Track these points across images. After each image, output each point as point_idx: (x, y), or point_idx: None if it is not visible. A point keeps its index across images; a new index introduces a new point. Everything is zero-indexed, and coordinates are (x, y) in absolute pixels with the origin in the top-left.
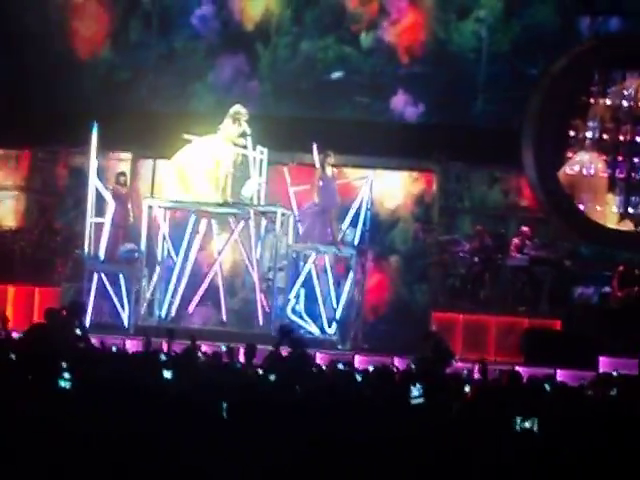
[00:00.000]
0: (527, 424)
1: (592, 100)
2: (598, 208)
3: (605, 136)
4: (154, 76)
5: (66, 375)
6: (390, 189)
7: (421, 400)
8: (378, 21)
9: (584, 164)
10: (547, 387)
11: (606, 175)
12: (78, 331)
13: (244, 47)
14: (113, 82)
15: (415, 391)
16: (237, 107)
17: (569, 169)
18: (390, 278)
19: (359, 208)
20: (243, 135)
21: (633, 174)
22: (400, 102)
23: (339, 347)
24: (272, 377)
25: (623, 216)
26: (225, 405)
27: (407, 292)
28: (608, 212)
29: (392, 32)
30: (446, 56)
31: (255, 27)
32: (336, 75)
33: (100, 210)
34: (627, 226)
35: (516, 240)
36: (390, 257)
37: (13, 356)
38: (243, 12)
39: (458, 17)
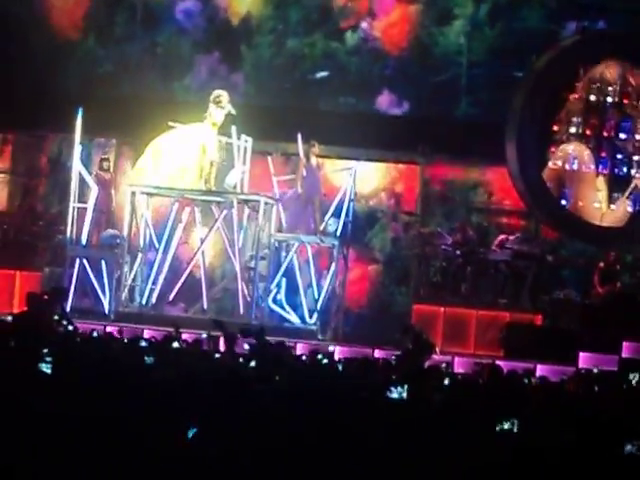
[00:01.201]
0: (507, 425)
1: (576, 95)
2: (580, 203)
3: (588, 132)
4: (138, 70)
5: (47, 359)
6: (371, 183)
7: (401, 394)
8: (364, 20)
9: (568, 158)
10: (528, 381)
11: (592, 170)
12: (57, 317)
13: (228, 43)
14: (97, 73)
15: (395, 389)
16: (217, 91)
17: (552, 163)
18: (370, 276)
19: (342, 199)
20: (229, 116)
21: (616, 170)
22: (385, 101)
23: (319, 337)
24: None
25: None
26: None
27: (388, 291)
28: (591, 207)
29: (378, 32)
30: (431, 58)
31: (240, 23)
32: (321, 75)
33: (83, 195)
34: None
35: (502, 236)
36: (370, 256)
37: None
38: (229, 8)
39: (443, 21)
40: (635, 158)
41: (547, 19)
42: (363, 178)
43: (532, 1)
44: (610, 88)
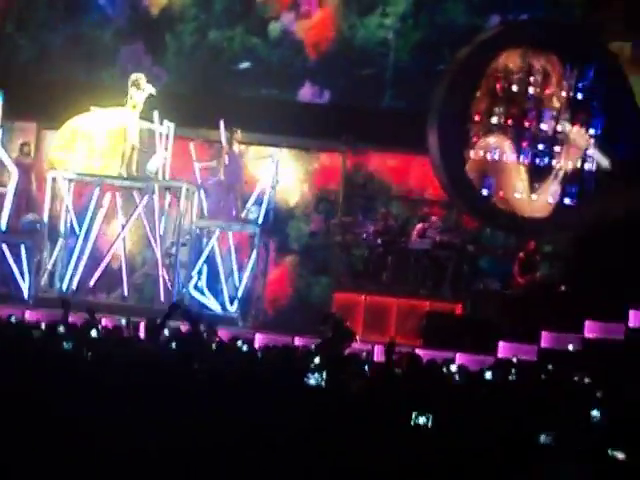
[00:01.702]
0: (422, 420)
1: (499, 85)
2: (501, 193)
3: (510, 122)
4: (61, 57)
5: None
6: (292, 174)
7: (319, 381)
8: (287, 12)
9: (489, 148)
10: (449, 369)
11: (513, 160)
12: None
13: (150, 33)
14: (18, 60)
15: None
16: (135, 74)
17: (474, 153)
18: (289, 271)
19: (264, 187)
20: (150, 98)
21: (537, 160)
22: (307, 94)
23: (240, 324)
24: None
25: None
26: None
27: (306, 281)
28: (513, 197)
29: (301, 24)
30: (354, 51)
31: (162, 13)
32: (243, 66)
33: (3, 179)
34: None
35: (420, 225)
36: (289, 250)
37: None
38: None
39: (366, 14)
40: (556, 149)
41: (471, 13)
42: (285, 167)
43: None
44: (532, 78)
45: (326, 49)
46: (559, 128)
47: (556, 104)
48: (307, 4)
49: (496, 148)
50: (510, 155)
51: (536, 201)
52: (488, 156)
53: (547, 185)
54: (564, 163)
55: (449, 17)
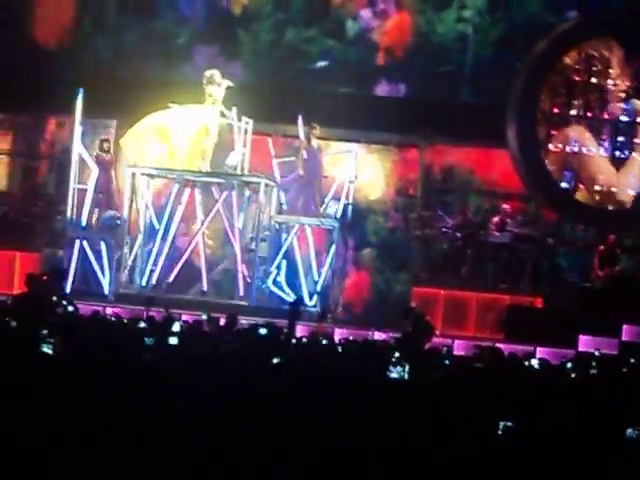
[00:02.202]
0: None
1: (577, 78)
2: (580, 186)
3: (589, 114)
4: (137, 57)
5: (48, 340)
6: (371, 169)
7: (402, 374)
8: (364, 10)
9: (568, 140)
10: (531, 364)
11: (593, 152)
12: (57, 297)
13: (226, 32)
14: (96, 59)
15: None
16: (208, 71)
17: (553, 146)
18: (368, 266)
19: (343, 181)
20: (229, 90)
21: (617, 153)
22: (384, 91)
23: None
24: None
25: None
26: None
27: (385, 280)
28: (592, 190)
29: (378, 25)
30: (431, 47)
31: (238, 12)
32: (320, 64)
33: (84, 176)
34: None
35: (496, 218)
36: (365, 249)
37: None
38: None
39: (442, 9)
40: (636, 140)
41: (548, 8)
42: (363, 162)
43: None
44: (611, 71)
45: (403, 44)
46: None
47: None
48: (384, 2)
49: (576, 140)
50: (590, 147)
51: (617, 193)
52: (567, 149)
53: (627, 177)
54: None
55: (526, 12)
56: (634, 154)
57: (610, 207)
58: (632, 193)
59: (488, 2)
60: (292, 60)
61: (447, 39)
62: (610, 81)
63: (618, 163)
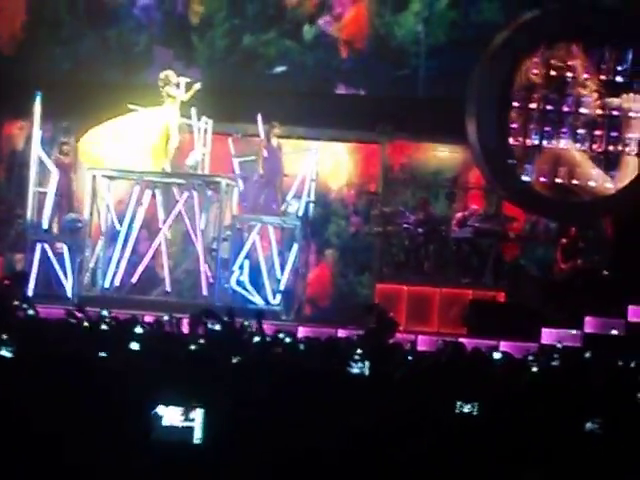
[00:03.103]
0: (467, 408)
1: (536, 71)
2: (541, 179)
3: (549, 107)
4: (95, 62)
5: (7, 344)
6: (330, 167)
7: (363, 369)
8: (320, 14)
9: (529, 134)
10: (494, 357)
11: (554, 145)
12: (18, 301)
13: (182, 39)
14: (53, 66)
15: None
16: (163, 73)
17: (513, 140)
18: (330, 269)
19: (303, 179)
20: (189, 86)
21: (578, 145)
22: (343, 91)
23: (283, 318)
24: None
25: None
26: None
27: (347, 281)
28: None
29: (335, 26)
30: (388, 49)
31: (193, 18)
32: (279, 70)
33: (43, 180)
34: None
35: (459, 214)
36: (327, 250)
37: None
38: (187, 6)
39: (399, 11)
40: (597, 132)
41: (504, 12)
42: (324, 160)
43: None
44: (570, 63)
45: (360, 47)
46: (599, 112)
47: (592, 87)
48: (340, 5)
49: (536, 134)
50: (551, 140)
51: (579, 186)
52: (528, 142)
53: (589, 170)
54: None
55: (483, 16)
56: (594, 146)
57: (573, 199)
58: (593, 185)
59: (446, 3)
60: (250, 64)
61: (405, 42)
62: (569, 73)
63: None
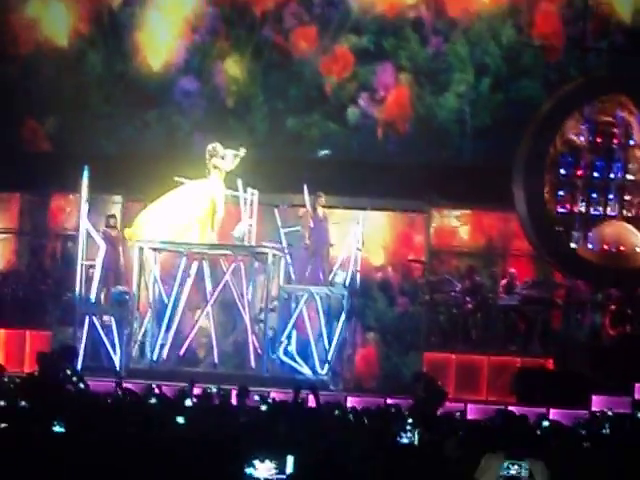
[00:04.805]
0: (513, 470)
1: (582, 138)
2: (589, 246)
3: (596, 174)
4: (141, 135)
5: (59, 419)
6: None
7: (412, 439)
8: (363, 97)
9: (577, 201)
10: (543, 425)
11: (599, 212)
12: (68, 375)
13: (224, 123)
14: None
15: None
16: (210, 145)
17: (560, 207)
18: (376, 348)
19: (349, 249)
20: (236, 158)
21: (625, 212)
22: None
23: (331, 388)
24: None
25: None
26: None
27: (392, 362)
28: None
29: (377, 108)
30: (430, 130)
31: (236, 102)
32: (323, 153)
33: (91, 252)
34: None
35: (504, 280)
36: (372, 331)
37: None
38: (226, 90)
39: (437, 92)
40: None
41: (546, 89)
42: (370, 229)
43: (531, 73)
44: (616, 130)
45: (403, 129)
46: None
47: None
48: (383, 88)
49: (583, 200)
50: (598, 207)
51: (626, 252)
52: (575, 209)
53: (635, 236)
54: None
55: (525, 94)
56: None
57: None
58: None
59: (488, 83)
60: (294, 147)
61: (448, 122)
62: (615, 140)
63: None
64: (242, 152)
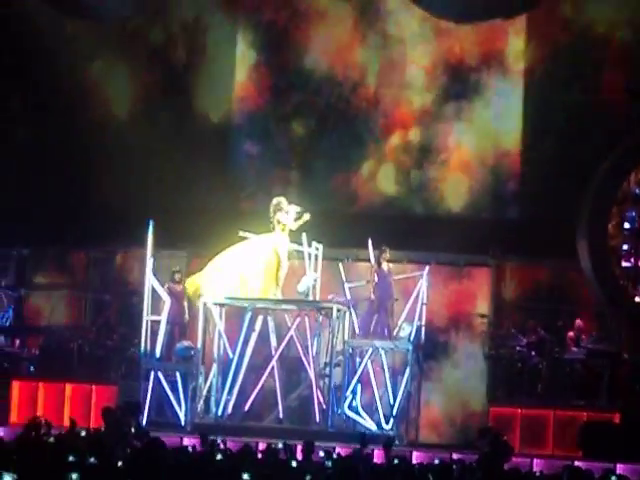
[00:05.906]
0: None
1: None
2: None
3: None
4: (204, 188)
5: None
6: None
7: None
8: (426, 159)
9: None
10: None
11: None
12: (133, 430)
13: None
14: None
15: None
16: (275, 199)
17: (625, 260)
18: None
19: (415, 303)
20: (299, 216)
21: None
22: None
23: (396, 443)
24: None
25: None
26: None
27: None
28: None
29: (439, 170)
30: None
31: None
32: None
33: (156, 308)
34: None
35: (571, 333)
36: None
37: (72, 458)
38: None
39: None
40: None
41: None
42: (433, 283)
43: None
44: None
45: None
46: None
47: None
48: (445, 150)
49: None
50: None
51: None
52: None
53: None
54: None
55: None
56: None
57: None
58: None
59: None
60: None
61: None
62: None
63: None
64: (306, 217)
